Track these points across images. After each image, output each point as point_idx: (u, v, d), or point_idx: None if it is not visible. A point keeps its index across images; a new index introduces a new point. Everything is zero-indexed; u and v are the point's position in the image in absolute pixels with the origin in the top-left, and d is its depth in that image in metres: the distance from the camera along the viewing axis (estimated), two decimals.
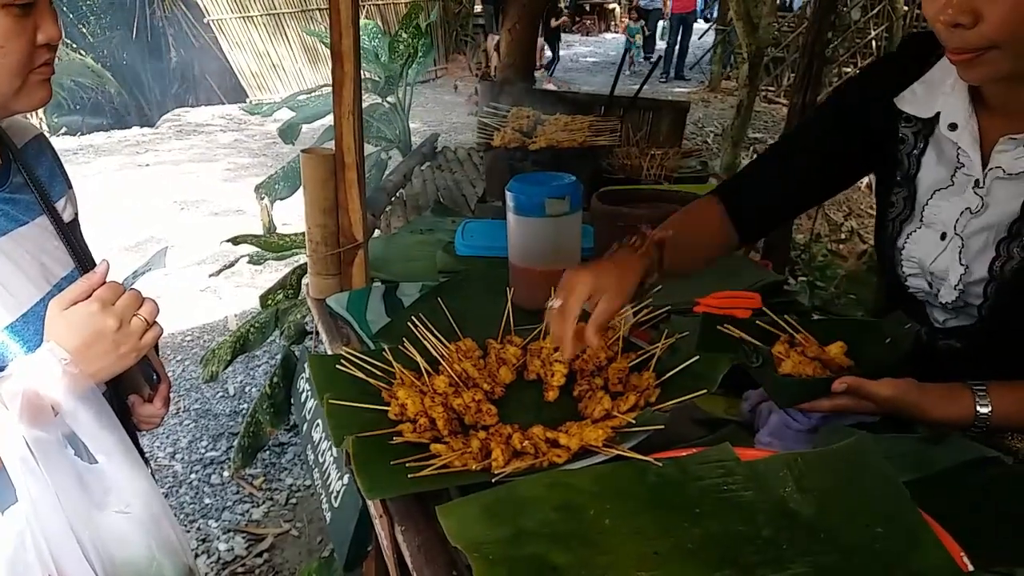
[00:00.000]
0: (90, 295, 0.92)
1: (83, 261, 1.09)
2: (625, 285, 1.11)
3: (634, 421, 1.00)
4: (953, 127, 1.11)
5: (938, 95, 1.12)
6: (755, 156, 1.44)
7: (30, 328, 0.95)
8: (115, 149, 8.51)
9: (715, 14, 13.51)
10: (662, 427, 0.98)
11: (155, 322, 0.97)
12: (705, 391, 1.03)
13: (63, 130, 9.71)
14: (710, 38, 13.16)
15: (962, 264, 1.13)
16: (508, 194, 1.49)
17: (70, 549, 0.90)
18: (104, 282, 0.93)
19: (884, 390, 1.06)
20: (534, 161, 2.44)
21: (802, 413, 1.09)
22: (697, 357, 1.08)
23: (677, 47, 13.18)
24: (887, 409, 1.08)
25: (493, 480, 0.92)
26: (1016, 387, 1.05)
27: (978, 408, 1.04)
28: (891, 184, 1.22)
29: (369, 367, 1.18)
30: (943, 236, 1.15)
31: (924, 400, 1.06)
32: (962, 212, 1.12)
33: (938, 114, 1.13)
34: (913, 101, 1.15)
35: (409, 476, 0.95)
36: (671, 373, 1.08)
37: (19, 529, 0.88)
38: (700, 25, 14.61)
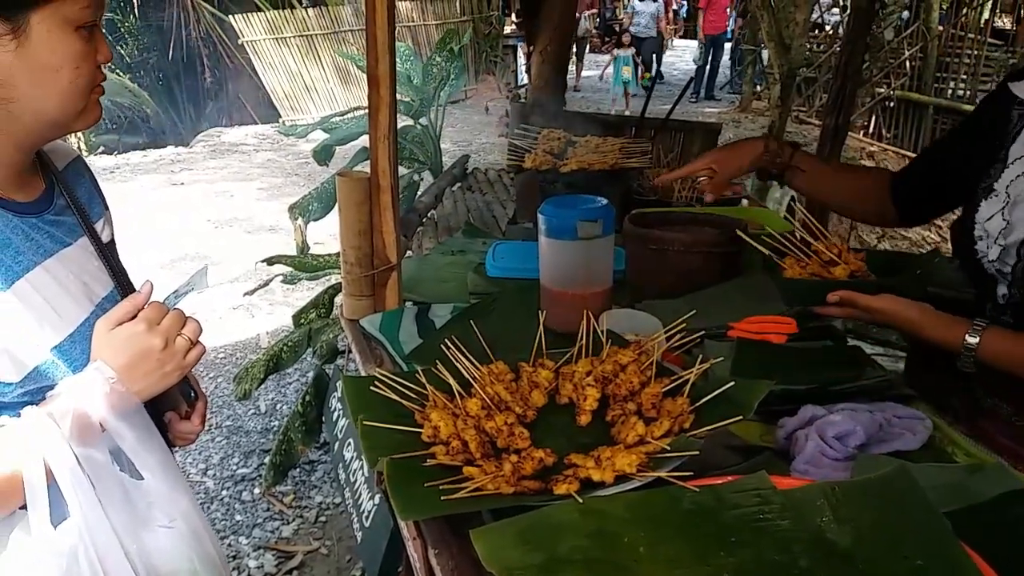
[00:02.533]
0: (135, 315, 0.95)
1: (121, 281, 1.12)
2: (736, 160, 1.47)
3: (668, 447, 0.99)
4: None
5: None
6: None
7: (77, 348, 0.97)
8: (151, 168, 8.68)
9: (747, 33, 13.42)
10: (697, 453, 0.97)
11: (198, 341, 0.99)
12: (741, 417, 1.02)
13: (100, 149, 9.92)
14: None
15: (1004, 219, 1.20)
16: (540, 217, 1.49)
17: (120, 563, 0.92)
18: (148, 302, 0.96)
19: (880, 303, 1.20)
20: (565, 183, 2.45)
21: (839, 442, 1.08)
22: (732, 383, 1.07)
23: (708, 67, 13.17)
24: (881, 320, 1.22)
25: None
26: (1015, 335, 1.15)
27: (967, 337, 1.14)
28: (993, 160, 1.28)
29: (402, 388, 1.19)
30: (1003, 200, 1.22)
31: (922, 318, 1.19)
32: (1018, 176, 1.21)
33: None
34: (1022, 87, 1.25)
35: (442, 498, 0.95)
36: (706, 399, 1.07)
37: (72, 543, 0.90)
38: (730, 45, 14.51)
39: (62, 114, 0.95)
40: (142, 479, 0.97)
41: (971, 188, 1.32)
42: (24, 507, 0.90)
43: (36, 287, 0.94)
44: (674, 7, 17.76)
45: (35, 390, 0.93)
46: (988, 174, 1.28)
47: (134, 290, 1.12)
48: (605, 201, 1.50)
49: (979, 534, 0.86)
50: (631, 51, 12.05)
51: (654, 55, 13.63)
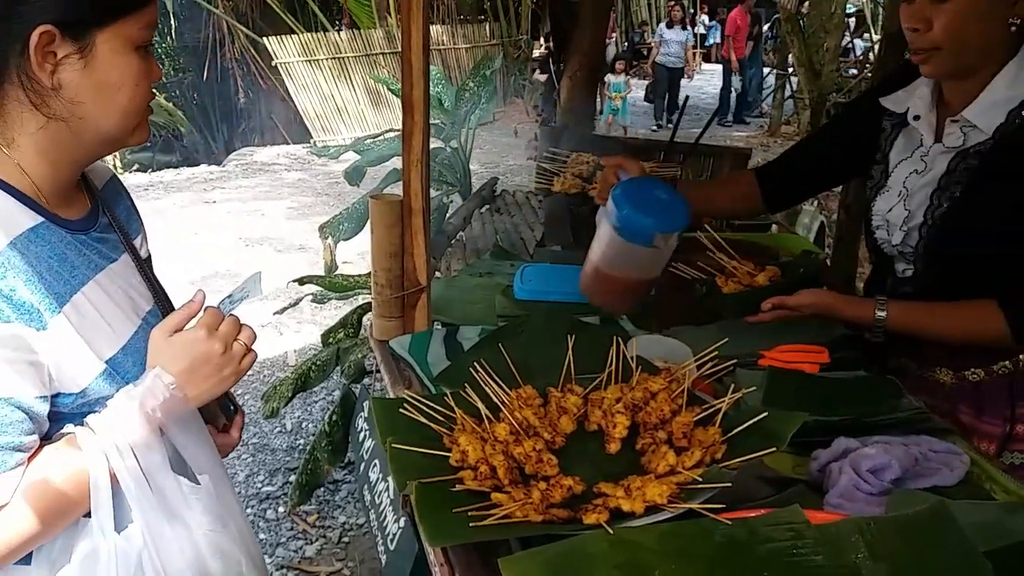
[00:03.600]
0: (186, 322, 0.99)
1: (160, 296, 1.14)
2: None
3: (699, 478, 0.98)
4: (916, 118, 1.44)
5: (911, 97, 1.46)
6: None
7: (129, 360, 0.99)
8: (184, 186, 8.82)
9: (775, 60, 13.29)
10: (729, 484, 0.96)
11: (252, 348, 1.02)
12: (774, 449, 1.00)
13: (135, 166, 10.10)
14: (770, 82, 13.05)
15: (906, 209, 1.44)
16: (612, 212, 1.39)
17: (181, 568, 0.96)
18: (201, 310, 1.00)
19: (802, 299, 1.45)
20: (593, 207, 2.45)
21: (874, 476, 1.06)
22: (765, 414, 1.06)
23: (733, 91, 13.06)
24: (809, 312, 1.45)
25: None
26: (909, 305, 1.42)
27: (877, 312, 1.39)
28: (873, 162, 1.56)
29: (431, 411, 1.19)
30: (899, 193, 1.47)
31: (837, 303, 1.44)
32: (911, 173, 1.45)
33: (908, 109, 1.46)
34: (893, 101, 1.49)
35: (471, 524, 0.95)
36: (739, 429, 1.06)
37: (138, 548, 0.93)
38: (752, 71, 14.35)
39: (121, 131, 0.98)
40: (198, 483, 1.00)
41: (835, 183, 1.94)
42: (86, 516, 0.92)
43: (91, 300, 0.97)
44: (702, 31, 17.49)
45: (93, 400, 0.95)
46: (871, 175, 1.56)
47: (171, 305, 1.15)
48: (682, 203, 1.41)
49: (1019, 574, 0.84)
50: (623, 77, 10.86)
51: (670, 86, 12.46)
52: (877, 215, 1.52)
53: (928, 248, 1.42)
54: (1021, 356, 1.37)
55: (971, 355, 1.40)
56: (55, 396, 0.92)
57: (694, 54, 13.31)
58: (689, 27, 13.25)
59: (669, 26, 12.45)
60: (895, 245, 1.47)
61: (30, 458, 0.90)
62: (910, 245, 1.44)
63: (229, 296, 1.09)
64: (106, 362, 0.96)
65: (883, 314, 1.39)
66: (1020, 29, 1.28)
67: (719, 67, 14.14)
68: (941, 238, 1.39)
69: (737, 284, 1.55)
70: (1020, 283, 1.32)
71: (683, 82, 12.93)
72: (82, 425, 0.93)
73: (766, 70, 13.55)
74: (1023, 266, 1.32)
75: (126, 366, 0.98)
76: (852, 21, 12.27)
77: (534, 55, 13.85)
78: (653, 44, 13.35)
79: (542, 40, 14.10)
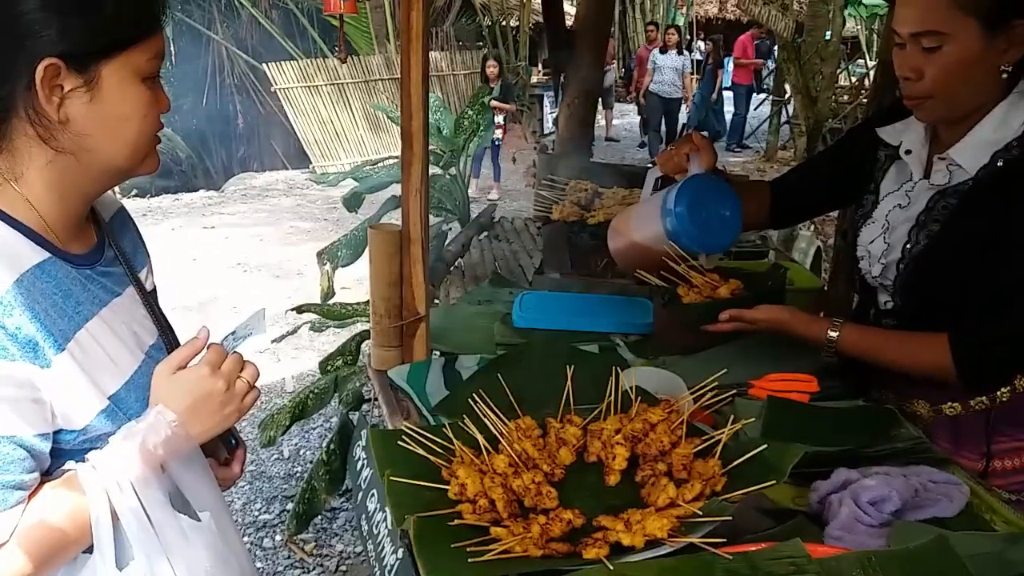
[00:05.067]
0: (190, 359, 0.99)
1: (165, 330, 1.14)
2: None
3: (700, 511, 0.98)
4: (908, 152, 1.44)
5: (907, 131, 1.46)
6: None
7: (132, 396, 0.99)
8: (182, 211, 8.84)
9: (771, 85, 13.30)
10: (730, 518, 0.95)
11: (255, 385, 1.02)
12: (774, 482, 1.00)
13: (133, 192, 10.12)
14: (766, 108, 13.08)
15: (886, 242, 1.44)
16: (669, 208, 1.50)
17: None
18: (205, 347, 0.99)
19: (759, 314, 1.46)
20: (591, 234, 2.46)
21: (874, 507, 1.06)
22: (765, 446, 1.05)
23: (733, 117, 13.09)
24: (764, 327, 1.47)
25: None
26: (865, 329, 1.45)
27: (829, 332, 1.40)
28: (865, 191, 1.56)
29: (429, 444, 1.18)
30: (882, 226, 1.47)
31: (792, 320, 1.45)
32: (895, 207, 1.45)
33: (901, 143, 1.45)
34: (889, 133, 1.49)
35: (470, 560, 0.94)
36: (739, 461, 1.05)
37: None
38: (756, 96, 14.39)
39: (130, 163, 0.99)
40: (199, 520, 1.00)
41: (833, 207, 1.88)
42: (87, 551, 0.92)
43: (95, 336, 0.97)
44: (699, 57, 17.09)
45: (95, 437, 0.94)
46: (862, 204, 1.56)
47: (176, 338, 1.14)
48: (737, 218, 1.55)
49: None
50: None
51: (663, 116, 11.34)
52: (861, 245, 1.52)
53: (905, 284, 1.42)
54: (998, 392, 1.37)
55: (948, 388, 1.38)
56: (57, 433, 0.92)
57: (692, 80, 12.81)
58: (686, 52, 12.00)
59: (663, 51, 11.41)
60: (875, 277, 1.48)
61: (31, 495, 0.89)
62: (889, 278, 1.44)
63: (232, 333, 1.08)
64: (109, 398, 0.96)
65: (835, 334, 1.40)
66: (1011, 75, 1.28)
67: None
68: (916, 275, 1.39)
69: (698, 295, 1.57)
70: (972, 322, 1.32)
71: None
72: (83, 462, 0.93)
73: (762, 96, 13.61)
74: (980, 307, 1.32)
75: (128, 402, 0.98)
76: (844, 48, 12.36)
77: (532, 81, 13.92)
78: (643, 74, 11.89)
79: (540, 67, 14.20)
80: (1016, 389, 1.37)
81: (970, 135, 1.33)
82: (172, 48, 12.09)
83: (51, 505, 0.89)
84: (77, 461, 0.94)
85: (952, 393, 1.39)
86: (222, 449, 1.18)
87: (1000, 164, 1.30)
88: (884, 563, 0.90)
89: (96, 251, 1.05)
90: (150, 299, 1.13)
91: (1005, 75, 1.28)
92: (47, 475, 0.93)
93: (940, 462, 1.25)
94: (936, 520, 1.08)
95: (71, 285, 0.96)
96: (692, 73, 12.39)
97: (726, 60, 13.32)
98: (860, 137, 1.61)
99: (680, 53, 11.56)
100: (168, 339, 1.12)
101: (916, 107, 1.34)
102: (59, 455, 0.93)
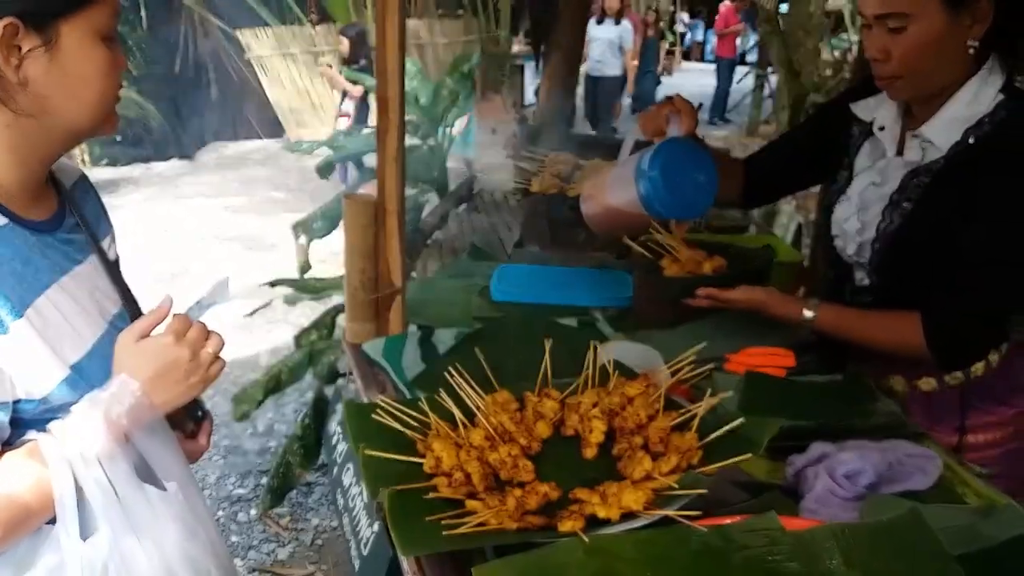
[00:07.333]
0: (154, 328, 0.96)
1: (127, 299, 1.11)
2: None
3: (675, 485, 0.97)
4: (881, 129, 1.44)
5: (880, 107, 1.45)
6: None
7: (94, 364, 0.96)
8: (154, 180, 8.69)
9: (756, 58, 13.17)
10: (705, 492, 0.95)
11: (220, 355, 1.00)
12: (750, 456, 1.00)
13: (104, 160, 9.93)
14: (749, 81, 13.02)
15: (859, 221, 1.44)
16: (643, 170, 1.37)
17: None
18: (168, 315, 0.97)
19: (736, 293, 1.47)
20: (571, 207, 2.44)
21: (848, 481, 1.06)
22: (742, 420, 1.05)
23: (716, 90, 13.00)
24: (741, 307, 1.47)
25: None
26: (839, 309, 1.44)
27: (805, 312, 1.41)
28: (839, 167, 1.54)
29: (404, 417, 1.17)
30: (856, 204, 1.46)
31: (769, 299, 1.45)
32: (869, 184, 1.44)
33: (875, 119, 1.45)
34: (862, 108, 1.48)
35: (444, 533, 0.93)
36: (716, 435, 1.05)
37: (103, 557, 0.90)
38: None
39: (91, 123, 0.96)
40: (164, 490, 0.98)
41: (807, 184, 1.84)
42: (51, 522, 0.90)
43: (55, 304, 0.94)
44: (681, 29, 16.73)
45: (57, 407, 0.92)
46: (835, 180, 1.55)
47: (139, 308, 1.12)
48: (712, 186, 1.40)
49: None
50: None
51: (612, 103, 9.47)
52: (835, 223, 1.51)
53: (881, 262, 1.42)
54: (972, 367, 1.38)
55: (924, 364, 1.39)
56: (16, 402, 0.90)
57: (671, 52, 12.23)
58: (627, 21, 9.29)
59: (599, 21, 8.97)
60: (851, 255, 1.47)
61: None
62: (864, 257, 1.44)
63: (198, 302, 1.06)
64: (71, 367, 0.94)
65: (811, 314, 1.40)
66: (979, 50, 1.28)
67: (699, 66, 13.82)
68: (891, 254, 1.39)
69: (680, 268, 1.57)
70: (943, 299, 1.33)
71: (672, 78, 10.76)
72: (45, 432, 0.91)
73: (745, 68, 13.52)
74: (951, 284, 1.31)
75: (91, 371, 0.96)
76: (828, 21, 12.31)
77: (513, 51, 13.76)
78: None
79: (522, 36, 14.03)
80: (990, 364, 1.39)
81: (942, 112, 1.33)
82: (143, 14, 11.83)
83: (13, 476, 0.87)
84: (39, 431, 0.91)
85: (928, 368, 1.40)
86: (188, 422, 1.16)
87: (971, 141, 1.30)
88: (857, 536, 0.90)
89: (57, 218, 1.02)
90: (113, 268, 1.11)
91: (972, 51, 1.27)
92: (8, 445, 0.91)
93: (916, 436, 1.26)
94: (910, 493, 1.09)
95: (30, 251, 0.94)
96: (673, 45, 11.47)
97: (708, 33, 13.07)
98: (833, 112, 1.60)
99: (618, 23, 9.05)
100: (131, 310, 1.10)
101: (887, 87, 1.35)
102: (20, 425, 0.91)
